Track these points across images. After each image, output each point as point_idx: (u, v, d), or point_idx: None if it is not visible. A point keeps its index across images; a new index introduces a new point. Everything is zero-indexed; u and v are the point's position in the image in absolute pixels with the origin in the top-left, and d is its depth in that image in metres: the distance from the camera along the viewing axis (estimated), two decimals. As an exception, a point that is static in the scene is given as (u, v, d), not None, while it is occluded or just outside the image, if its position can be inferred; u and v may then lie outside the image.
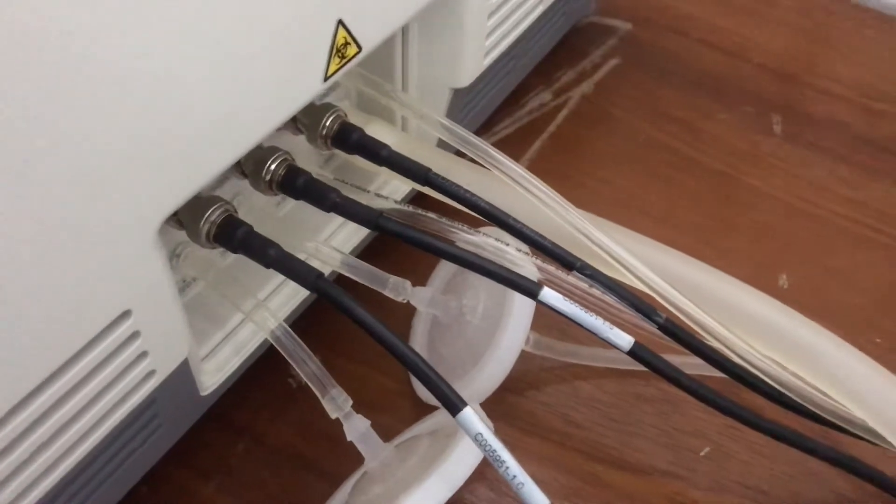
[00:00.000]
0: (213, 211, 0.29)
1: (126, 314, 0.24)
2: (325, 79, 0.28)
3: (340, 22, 0.27)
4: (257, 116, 0.26)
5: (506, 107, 0.53)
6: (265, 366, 0.37)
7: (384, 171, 0.37)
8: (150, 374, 0.27)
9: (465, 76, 0.39)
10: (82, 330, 0.23)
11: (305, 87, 0.28)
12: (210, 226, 0.29)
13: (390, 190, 0.40)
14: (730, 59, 0.60)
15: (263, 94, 0.26)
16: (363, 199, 0.34)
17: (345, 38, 0.28)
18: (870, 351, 0.42)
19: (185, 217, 0.30)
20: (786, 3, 0.65)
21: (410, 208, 0.34)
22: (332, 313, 0.30)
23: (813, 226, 0.49)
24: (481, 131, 0.52)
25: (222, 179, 0.34)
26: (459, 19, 0.36)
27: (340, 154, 0.39)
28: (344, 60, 0.28)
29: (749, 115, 0.55)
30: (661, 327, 0.32)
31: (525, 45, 0.45)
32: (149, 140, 0.23)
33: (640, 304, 0.32)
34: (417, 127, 0.41)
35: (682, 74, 0.58)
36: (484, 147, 0.34)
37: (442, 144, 0.38)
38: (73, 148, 0.20)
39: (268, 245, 0.29)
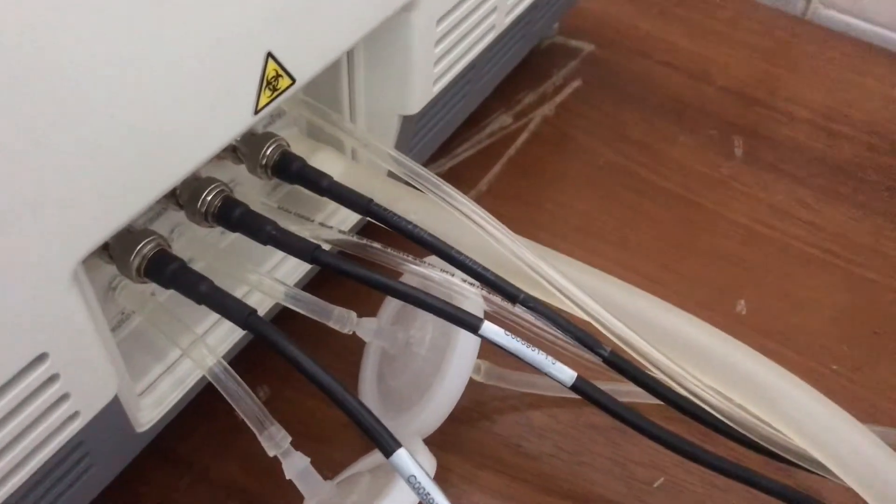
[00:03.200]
0: (144, 244, 0.29)
1: (42, 357, 0.24)
2: (256, 111, 0.28)
3: (270, 54, 0.27)
4: (183, 150, 0.26)
5: (465, 129, 0.53)
6: (210, 397, 0.37)
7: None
8: (74, 415, 0.26)
9: (414, 103, 0.38)
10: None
11: (234, 119, 0.27)
12: (141, 260, 0.29)
13: (339, 219, 0.40)
14: (693, 81, 0.60)
15: (189, 126, 0.25)
16: (307, 230, 0.34)
17: (276, 70, 0.27)
18: (826, 377, 0.43)
19: (116, 250, 0.29)
20: (749, 24, 0.65)
21: (355, 238, 0.34)
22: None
23: (772, 250, 0.49)
24: (439, 154, 0.51)
25: (159, 211, 0.33)
26: (405, 46, 0.35)
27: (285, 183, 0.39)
28: (276, 93, 0.28)
29: (711, 137, 0.55)
30: (605, 360, 0.32)
31: (479, 70, 0.44)
32: (61, 175, 0.22)
33: (585, 337, 0.32)
34: (367, 155, 0.40)
35: (644, 97, 0.58)
36: (429, 177, 0.34)
37: (392, 173, 0.38)
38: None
39: (200, 281, 0.28)
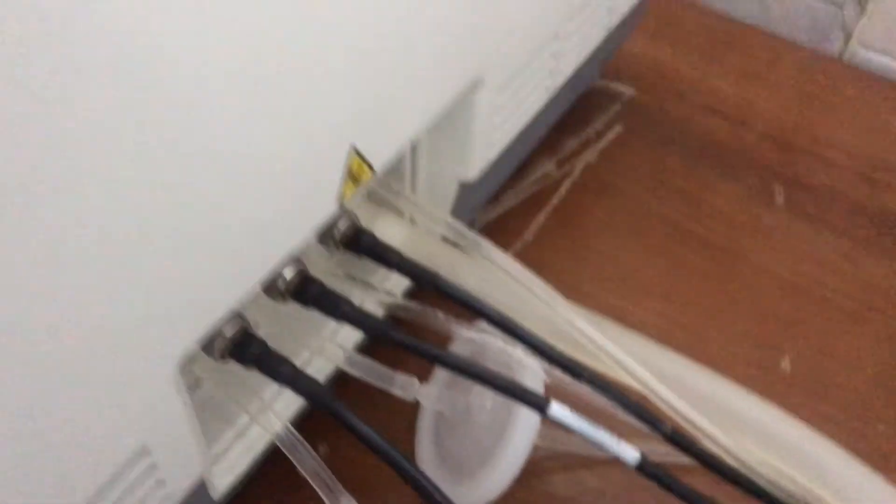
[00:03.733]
0: (227, 326, 0.30)
1: (143, 450, 0.25)
2: (340, 203, 0.29)
3: (354, 148, 0.28)
4: (271, 246, 0.27)
5: (510, 179, 0.54)
6: (273, 455, 0.38)
7: (404, 245, 0.38)
8: (166, 497, 0.27)
9: (473, 170, 0.39)
10: (97, 474, 0.23)
11: (320, 213, 0.28)
12: (224, 342, 0.30)
13: (391, 285, 0.41)
14: (733, 126, 0.60)
15: (277, 224, 0.26)
16: (373, 297, 0.35)
17: (358, 163, 0.28)
18: (873, 439, 0.43)
19: (199, 331, 0.30)
20: (788, 66, 0.66)
21: (418, 305, 0.35)
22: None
23: (813, 303, 0.49)
24: (486, 205, 0.52)
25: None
26: (468, 120, 0.36)
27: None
28: (358, 184, 0.29)
29: (751, 185, 0.56)
30: (666, 437, 0.33)
31: (532, 127, 0.45)
32: (165, 287, 0.23)
33: (646, 414, 0.33)
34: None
35: (684, 142, 0.59)
36: (489, 249, 0.35)
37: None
38: (86, 300, 0.21)
39: (281, 362, 0.30)
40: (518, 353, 0.35)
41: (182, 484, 0.28)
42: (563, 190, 0.55)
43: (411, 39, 0.28)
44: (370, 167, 0.29)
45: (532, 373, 0.34)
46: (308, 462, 0.31)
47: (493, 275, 0.36)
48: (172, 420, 0.26)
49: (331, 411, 0.29)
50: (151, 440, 0.25)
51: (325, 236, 0.35)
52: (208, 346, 0.30)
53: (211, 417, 0.35)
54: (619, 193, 0.55)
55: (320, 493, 0.31)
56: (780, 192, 0.56)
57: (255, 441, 0.35)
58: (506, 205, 0.53)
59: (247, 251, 0.26)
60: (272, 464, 0.39)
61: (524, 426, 0.35)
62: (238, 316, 0.31)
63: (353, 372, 0.33)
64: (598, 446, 0.31)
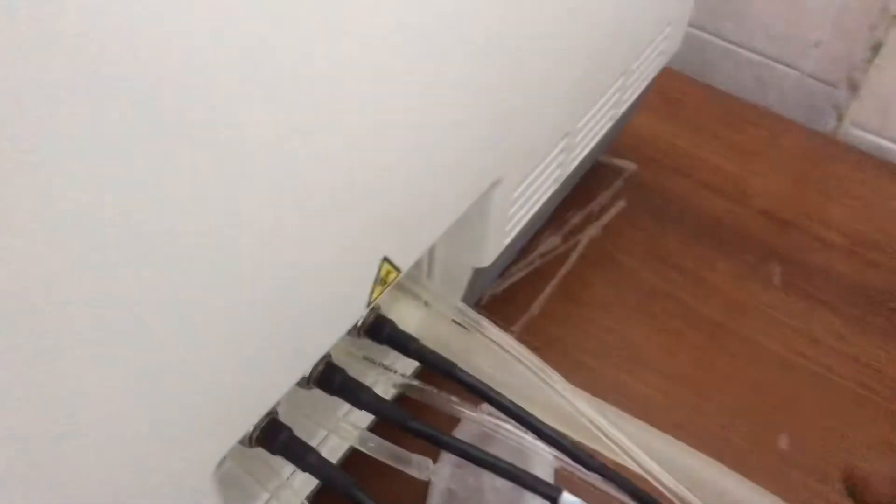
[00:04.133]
0: (257, 414, 0.32)
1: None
2: (368, 304, 0.31)
3: (385, 258, 0.30)
4: (309, 349, 0.29)
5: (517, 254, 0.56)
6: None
7: (420, 331, 0.40)
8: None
9: (487, 258, 0.41)
10: None
11: (350, 316, 0.30)
12: (254, 429, 0.32)
13: (402, 365, 0.43)
14: (730, 203, 0.63)
15: (315, 330, 0.28)
16: (388, 379, 0.37)
17: (388, 270, 0.30)
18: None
19: (230, 419, 0.32)
20: (783, 143, 0.69)
21: (430, 388, 0.37)
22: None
23: (809, 381, 0.51)
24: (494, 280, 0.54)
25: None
26: (485, 215, 0.39)
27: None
28: (385, 286, 0.31)
29: (749, 263, 0.58)
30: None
31: (541, 210, 0.48)
32: (214, 394, 0.25)
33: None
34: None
35: (684, 220, 0.61)
36: (489, 329, 0.37)
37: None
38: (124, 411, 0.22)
39: (306, 451, 0.31)
40: (529, 439, 0.36)
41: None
42: (568, 263, 0.57)
43: (441, 153, 0.30)
44: (397, 270, 0.31)
45: (542, 459, 0.36)
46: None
47: (499, 354, 0.38)
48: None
49: (352, 499, 0.31)
50: (190, 532, 0.27)
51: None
52: (238, 433, 0.32)
53: (230, 493, 0.37)
54: (621, 268, 0.57)
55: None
56: (776, 270, 0.58)
57: (275, 518, 0.37)
58: (512, 279, 0.56)
59: (288, 357, 0.28)
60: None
61: (533, 508, 0.37)
62: (267, 405, 0.32)
63: (369, 451, 0.35)
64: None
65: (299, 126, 0.23)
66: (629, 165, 0.65)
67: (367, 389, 0.34)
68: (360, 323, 0.36)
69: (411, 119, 0.28)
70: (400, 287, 0.42)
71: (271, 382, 0.28)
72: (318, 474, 0.31)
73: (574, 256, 0.58)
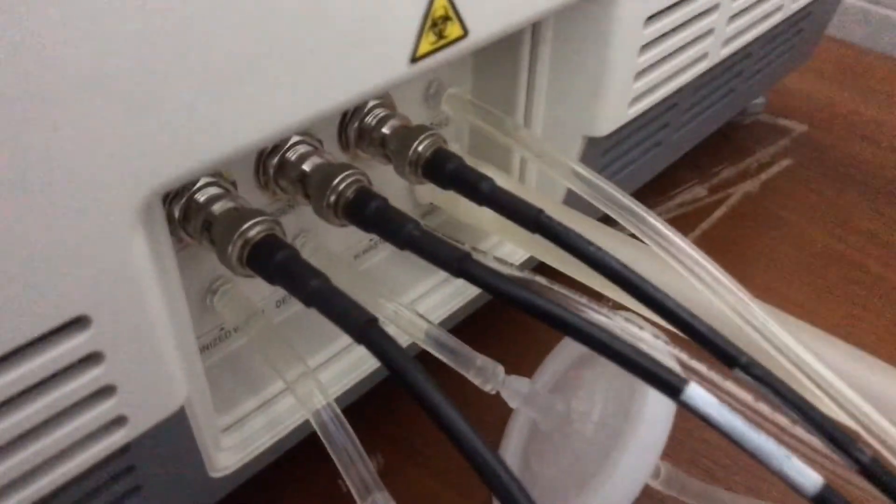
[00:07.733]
0: (252, 225, 0.22)
1: (81, 321, 0.17)
2: (413, 59, 0.21)
3: (440, -16, 0.21)
4: (301, 94, 0.19)
5: (651, 196, 0.45)
6: (308, 454, 0.29)
7: (493, 224, 0.29)
8: (119, 420, 0.19)
9: (605, 124, 0.31)
10: (24, 320, 0.16)
11: (382, 67, 0.21)
12: (244, 243, 0.22)
13: (504, 253, 0.32)
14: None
15: (317, 66, 0.19)
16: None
17: (445, 8, 0.21)
18: None
19: (218, 231, 0.23)
20: None
21: (528, 275, 0.26)
22: (409, 402, 0.21)
23: None
24: (618, 219, 0.44)
25: (282, 208, 0.27)
26: (603, 46, 0.29)
27: (442, 208, 0.32)
28: (441, 41, 0.21)
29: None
30: (863, 468, 0.22)
31: (679, 112, 0.37)
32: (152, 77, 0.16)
33: (834, 432, 0.22)
34: (540, 178, 0.33)
35: (869, 183, 0.48)
36: (627, 203, 0.26)
37: (570, 202, 0.30)
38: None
39: (312, 275, 0.22)
40: (649, 338, 0.25)
41: (145, 411, 0.20)
42: (715, 217, 0.45)
43: None
44: (462, 24, 0.22)
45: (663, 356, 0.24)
46: (346, 449, 0.22)
47: (630, 247, 0.27)
48: (130, 293, 0.18)
49: (370, 346, 0.21)
50: (97, 313, 0.17)
51: (402, 160, 0.27)
52: (225, 252, 0.23)
53: (231, 379, 0.27)
54: (786, 227, 0.45)
55: (354, 494, 0.22)
56: None
57: (281, 418, 0.27)
58: (642, 225, 0.44)
59: (283, 87, 0.18)
60: (310, 463, 0.30)
61: (643, 442, 0.25)
62: (269, 217, 0.23)
63: (426, 346, 0.25)
64: (760, 458, 0.20)
65: None
66: (797, 126, 0.53)
67: (412, 220, 0.24)
68: (416, 157, 0.27)
69: None
70: (487, 154, 0.32)
71: (247, 115, 0.18)
72: (323, 305, 0.21)
73: (724, 209, 0.46)
